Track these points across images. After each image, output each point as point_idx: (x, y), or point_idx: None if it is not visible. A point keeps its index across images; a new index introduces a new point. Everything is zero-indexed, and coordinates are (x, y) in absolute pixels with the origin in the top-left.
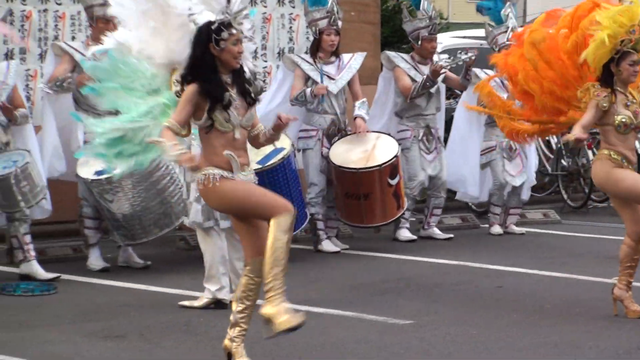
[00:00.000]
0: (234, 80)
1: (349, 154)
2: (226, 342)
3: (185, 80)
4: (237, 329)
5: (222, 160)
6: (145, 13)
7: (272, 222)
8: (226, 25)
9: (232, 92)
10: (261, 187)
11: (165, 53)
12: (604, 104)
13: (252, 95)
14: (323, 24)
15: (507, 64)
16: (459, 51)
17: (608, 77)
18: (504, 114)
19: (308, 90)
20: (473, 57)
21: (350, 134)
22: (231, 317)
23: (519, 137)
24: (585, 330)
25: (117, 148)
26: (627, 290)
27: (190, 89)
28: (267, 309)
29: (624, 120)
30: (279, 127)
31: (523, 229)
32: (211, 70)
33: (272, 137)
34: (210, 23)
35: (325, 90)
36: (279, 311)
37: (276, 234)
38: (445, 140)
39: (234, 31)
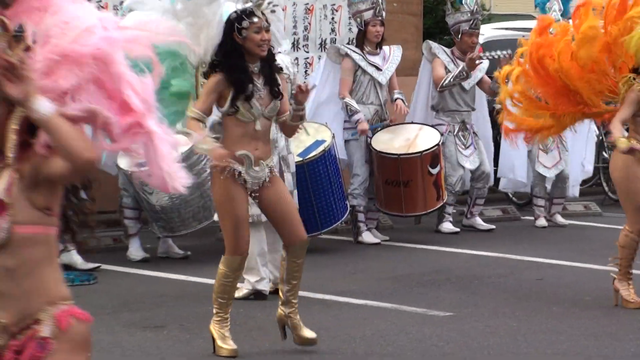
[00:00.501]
0: (262, 69)
1: (391, 142)
2: (281, 315)
3: (213, 68)
4: (289, 305)
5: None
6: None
7: (223, 259)
8: (248, 13)
9: (258, 82)
10: (246, 220)
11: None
12: None
13: (279, 87)
14: (368, 15)
15: (535, 56)
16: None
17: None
18: (532, 111)
19: (356, 117)
20: (510, 54)
21: (392, 125)
22: (281, 295)
23: (515, 135)
24: (626, 322)
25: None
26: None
27: (215, 78)
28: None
29: None
30: (300, 97)
31: (566, 221)
32: (237, 60)
33: (297, 112)
34: (234, 12)
35: (366, 131)
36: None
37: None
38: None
39: (255, 19)
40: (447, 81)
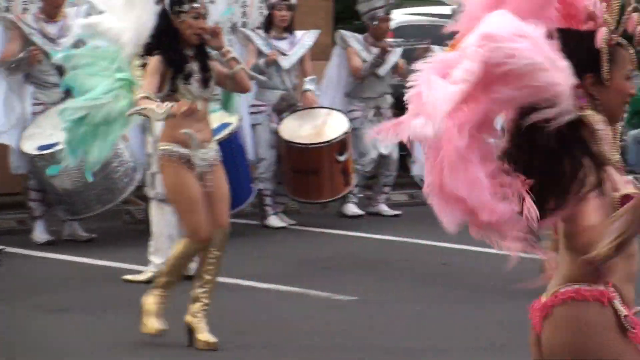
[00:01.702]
0: (196, 56)
1: (299, 130)
2: (188, 317)
3: (148, 50)
4: (199, 304)
5: (183, 135)
6: None
7: (183, 241)
8: None
9: (194, 65)
10: (200, 202)
11: (133, 32)
12: None
13: (211, 71)
14: None
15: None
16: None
17: None
18: None
19: (261, 60)
20: (426, 47)
21: (300, 110)
22: (191, 293)
23: None
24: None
25: (80, 130)
26: None
27: (155, 59)
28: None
29: None
30: (213, 43)
31: None
32: (173, 41)
33: (225, 58)
34: None
35: (275, 55)
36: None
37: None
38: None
39: (195, 5)
40: (364, 72)
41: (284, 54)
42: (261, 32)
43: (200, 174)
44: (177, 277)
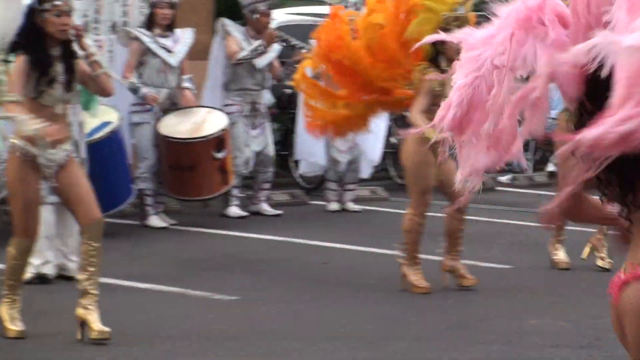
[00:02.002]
0: (62, 56)
1: (178, 126)
2: (79, 311)
3: (14, 49)
4: (88, 296)
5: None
6: None
7: (12, 241)
8: None
9: (58, 67)
10: (35, 203)
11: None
12: (437, 88)
13: (75, 75)
14: None
15: (325, 45)
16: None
17: (435, 56)
18: (328, 101)
19: (143, 91)
20: (304, 52)
21: (181, 108)
22: (79, 287)
23: (318, 129)
24: (410, 306)
25: None
26: (458, 261)
27: (20, 59)
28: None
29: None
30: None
31: (360, 207)
32: (37, 42)
33: (89, 60)
34: None
35: (157, 99)
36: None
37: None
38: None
39: (57, 2)
40: (243, 54)
41: (170, 51)
42: (145, 30)
43: (50, 174)
44: (19, 278)
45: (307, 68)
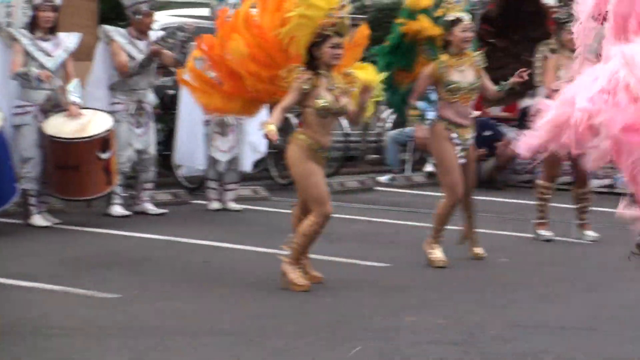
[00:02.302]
0: None
1: (63, 126)
2: None
3: None
4: None
5: None
6: None
7: None
8: None
9: None
10: None
11: None
12: (305, 87)
13: None
14: (38, 0)
15: (210, 42)
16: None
17: (312, 59)
18: (213, 92)
19: (35, 72)
20: (189, 36)
21: (65, 110)
22: None
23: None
24: (289, 303)
25: None
26: (307, 258)
27: None
28: None
29: (324, 104)
30: None
31: (240, 206)
32: None
33: None
34: None
35: (50, 76)
36: None
37: None
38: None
39: None
40: (133, 70)
41: (49, 55)
42: (27, 32)
43: None
44: None
45: (197, 60)
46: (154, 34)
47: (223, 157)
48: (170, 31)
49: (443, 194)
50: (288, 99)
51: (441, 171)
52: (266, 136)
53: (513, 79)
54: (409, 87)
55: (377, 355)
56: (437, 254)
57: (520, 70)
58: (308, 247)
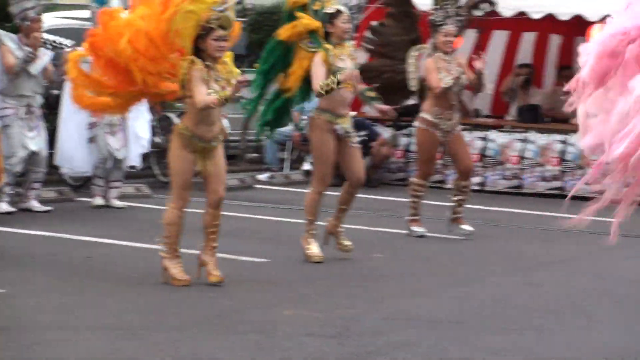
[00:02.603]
0: None
1: None
2: None
3: None
4: None
5: None
6: None
7: None
8: None
9: None
10: None
11: None
12: (205, 76)
13: None
14: None
15: (95, 42)
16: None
17: (198, 52)
18: (95, 89)
19: None
20: (73, 44)
21: None
22: None
23: (95, 109)
24: (170, 298)
25: None
26: (212, 256)
27: None
28: None
29: (213, 94)
30: None
31: (124, 203)
32: None
33: None
34: None
35: None
36: None
37: None
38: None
39: None
40: (16, 67)
41: None
42: None
43: None
44: None
45: (80, 59)
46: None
47: (118, 154)
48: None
49: (312, 183)
50: (200, 90)
51: (316, 160)
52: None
53: (380, 107)
54: (288, 88)
55: (256, 348)
56: (314, 249)
57: (385, 108)
58: (177, 238)
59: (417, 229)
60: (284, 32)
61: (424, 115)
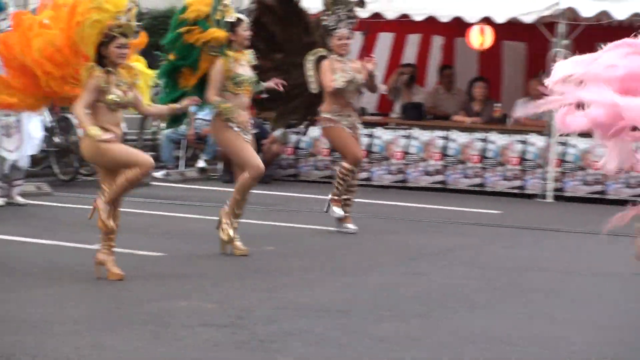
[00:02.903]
0: None
1: None
2: None
3: None
4: None
5: None
6: None
7: None
8: None
9: None
10: None
11: None
12: (103, 84)
13: None
14: None
15: (6, 46)
16: None
17: (100, 58)
18: (4, 90)
19: None
20: None
21: None
22: None
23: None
24: (69, 292)
25: None
26: (110, 255)
27: None
28: None
29: (115, 99)
30: None
31: (25, 200)
32: None
33: None
34: None
35: None
36: None
37: None
38: None
39: None
40: None
41: None
42: None
43: None
44: None
45: None
46: None
47: (10, 157)
48: None
49: (244, 176)
50: (86, 97)
51: (233, 155)
52: (98, 139)
53: (268, 84)
54: (189, 87)
55: (153, 338)
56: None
57: (275, 80)
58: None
59: (337, 210)
60: (192, 36)
61: (324, 114)
